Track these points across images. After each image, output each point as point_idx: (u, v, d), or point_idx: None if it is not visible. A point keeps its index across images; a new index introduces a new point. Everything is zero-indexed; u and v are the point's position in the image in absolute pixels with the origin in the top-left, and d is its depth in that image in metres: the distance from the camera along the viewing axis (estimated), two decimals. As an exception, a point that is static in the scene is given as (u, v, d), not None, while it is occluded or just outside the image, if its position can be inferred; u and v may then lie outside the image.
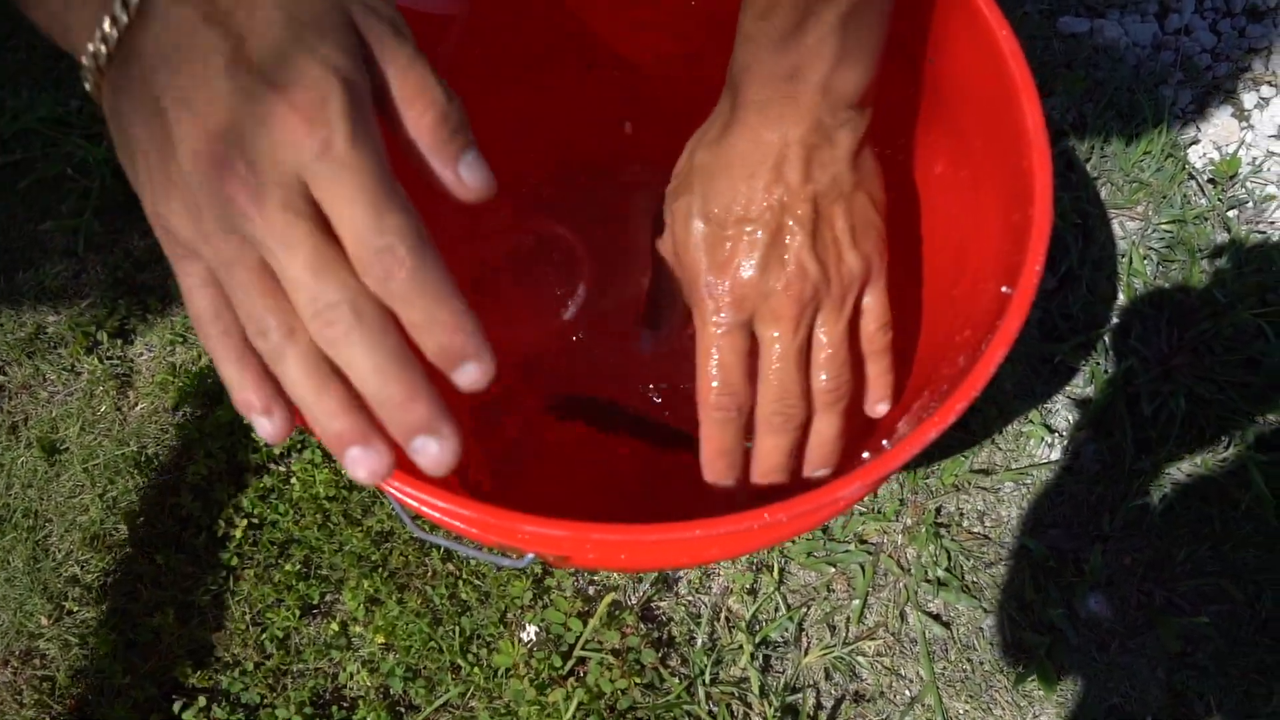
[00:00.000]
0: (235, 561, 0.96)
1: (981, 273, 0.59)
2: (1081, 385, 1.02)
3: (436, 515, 0.53)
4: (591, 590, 0.96)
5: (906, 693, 0.93)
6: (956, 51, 0.59)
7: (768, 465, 0.57)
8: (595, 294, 0.89)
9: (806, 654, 0.94)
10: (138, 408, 1.01)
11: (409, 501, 0.54)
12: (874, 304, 0.57)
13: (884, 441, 0.60)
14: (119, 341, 1.03)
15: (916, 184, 0.69)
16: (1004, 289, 0.53)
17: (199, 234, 0.33)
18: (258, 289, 0.33)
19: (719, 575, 0.97)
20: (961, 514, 0.99)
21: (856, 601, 0.96)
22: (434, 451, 0.34)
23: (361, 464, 0.34)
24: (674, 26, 0.77)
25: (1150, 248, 1.06)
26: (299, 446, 0.99)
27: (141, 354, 1.03)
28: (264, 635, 0.94)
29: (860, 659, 0.94)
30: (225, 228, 0.33)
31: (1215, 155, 1.10)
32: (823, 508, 0.50)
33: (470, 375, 0.34)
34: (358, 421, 0.34)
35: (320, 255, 0.32)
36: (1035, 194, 0.52)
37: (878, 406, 0.60)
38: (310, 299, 0.33)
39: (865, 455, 0.62)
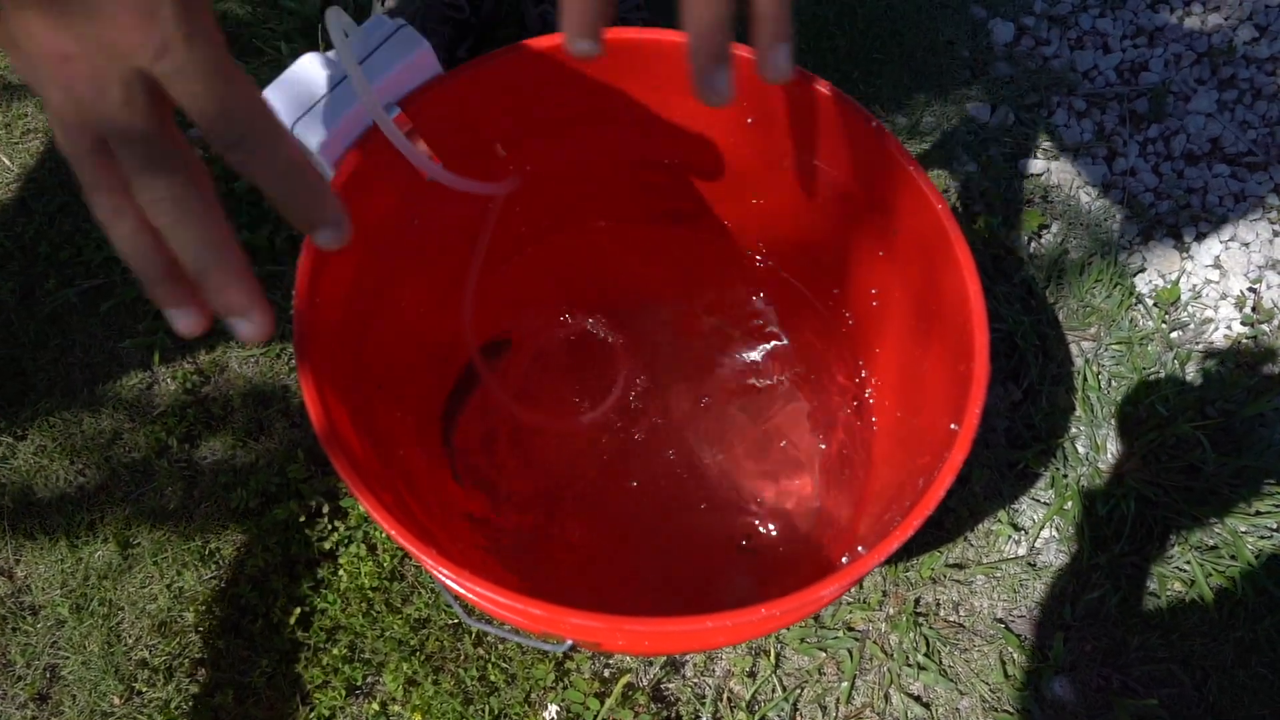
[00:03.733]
0: (288, 646, 1.07)
1: (936, 409, 0.72)
2: (1044, 488, 1.15)
3: (496, 610, 0.65)
4: (607, 673, 1.07)
5: (891, 768, 1.04)
6: (916, 233, 0.73)
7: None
8: (627, 392, 1.03)
9: (800, 732, 1.05)
10: (202, 506, 1.13)
11: (470, 597, 0.66)
12: None
13: (859, 548, 0.72)
14: (186, 446, 1.16)
15: (895, 332, 0.83)
16: (952, 426, 0.66)
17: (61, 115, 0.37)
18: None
19: (722, 659, 1.08)
20: (939, 604, 1.11)
21: (845, 684, 1.07)
22: (242, 330, 0.41)
23: (178, 321, 0.41)
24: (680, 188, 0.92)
25: (1102, 365, 1.19)
26: (346, 541, 1.11)
27: (206, 457, 1.15)
28: (312, 714, 1.05)
29: (849, 737, 1.05)
30: (80, 116, 0.37)
31: (1159, 282, 1.25)
32: (806, 605, 0.62)
33: (326, 237, 0.41)
34: (176, 289, 0.41)
35: (151, 151, 0.37)
36: (975, 351, 0.66)
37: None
38: (139, 189, 0.38)
39: (844, 560, 0.74)
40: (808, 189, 0.83)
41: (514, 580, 0.93)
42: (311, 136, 0.71)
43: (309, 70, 0.72)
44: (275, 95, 0.72)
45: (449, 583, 0.65)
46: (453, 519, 0.97)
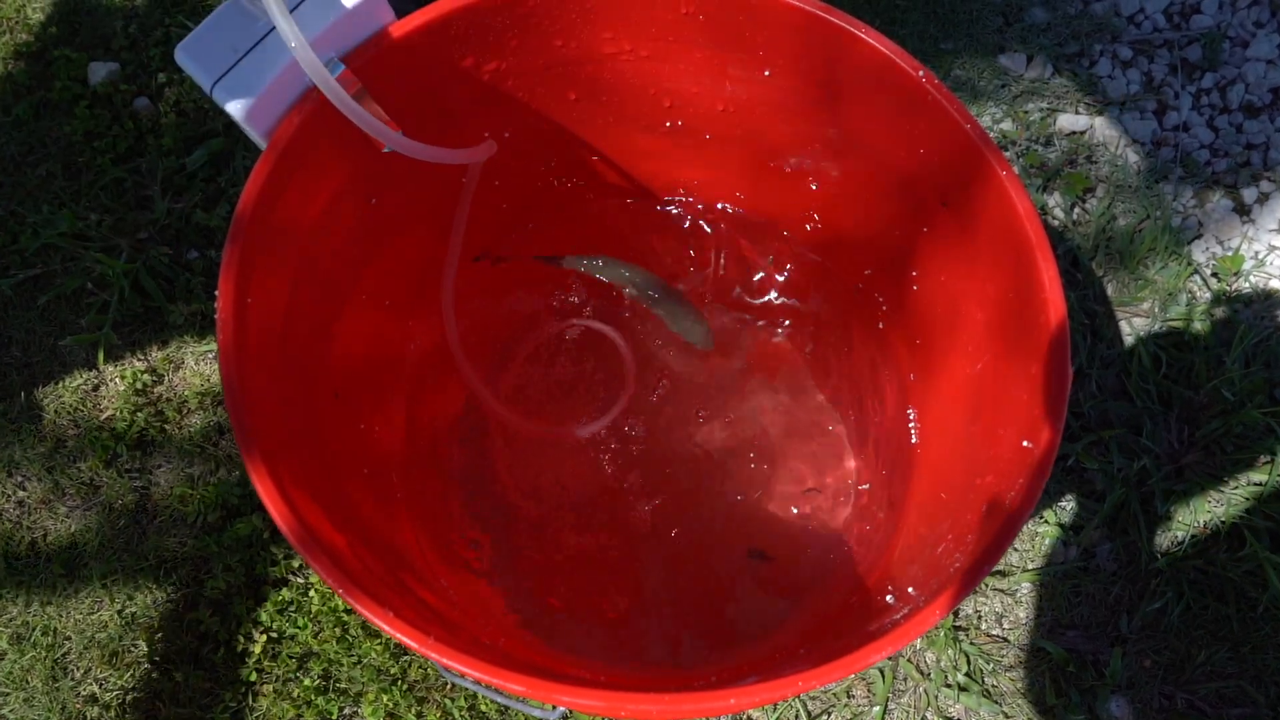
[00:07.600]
0: (254, 677, 0.96)
1: (997, 418, 0.60)
2: (1096, 485, 1.03)
3: (475, 676, 0.54)
4: (611, 701, 0.95)
5: (930, 803, 0.93)
6: (974, 203, 0.60)
7: None
8: (637, 393, 0.91)
9: (828, 764, 0.94)
10: (156, 521, 1.02)
11: (459, 668, 0.54)
12: None
13: (910, 589, 0.60)
14: (138, 454, 1.04)
15: (944, 323, 0.71)
16: (1025, 443, 0.54)
17: None
18: None
19: (738, 684, 0.97)
20: (980, 616, 0.99)
21: (877, 708, 0.96)
22: None
23: None
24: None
25: (1158, 345, 1.07)
26: (317, 558, 1.00)
27: (160, 465, 1.04)
28: (283, 752, 0.94)
29: (882, 768, 0.94)
30: None
31: (1218, 250, 1.12)
32: (853, 670, 0.50)
33: None
34: None
35: None
36: (1052, 350, 0.54)
37: None
38: None
39: (889, 599, 0.63)
40: (839, 151, 0.70)
41: (511, 622, 0.81)
42: (235, 102, 0.58)
43: (230, 21, 0.59)
44: (190, 53, 0.59)
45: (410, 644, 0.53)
46: (441, 543, 0.85)
